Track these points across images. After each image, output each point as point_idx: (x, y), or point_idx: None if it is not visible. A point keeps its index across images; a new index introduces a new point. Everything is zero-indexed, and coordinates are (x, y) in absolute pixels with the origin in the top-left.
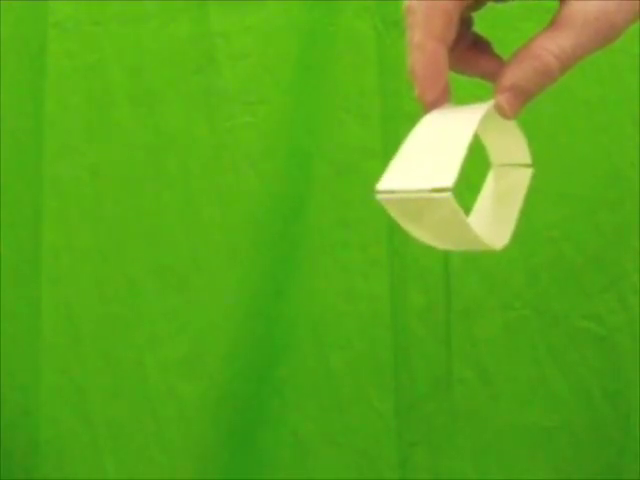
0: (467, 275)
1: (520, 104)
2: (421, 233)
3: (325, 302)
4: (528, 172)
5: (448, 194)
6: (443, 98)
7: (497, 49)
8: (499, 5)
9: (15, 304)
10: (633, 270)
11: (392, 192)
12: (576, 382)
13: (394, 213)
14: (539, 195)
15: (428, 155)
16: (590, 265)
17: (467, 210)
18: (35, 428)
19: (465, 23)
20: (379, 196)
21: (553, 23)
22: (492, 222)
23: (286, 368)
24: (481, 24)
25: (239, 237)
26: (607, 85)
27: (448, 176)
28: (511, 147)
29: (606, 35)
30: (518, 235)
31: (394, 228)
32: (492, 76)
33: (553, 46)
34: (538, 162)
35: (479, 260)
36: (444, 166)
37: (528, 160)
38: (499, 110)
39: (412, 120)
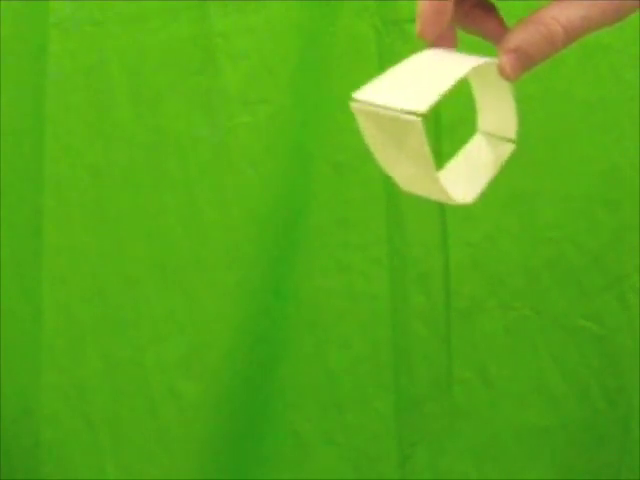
0: (467, 275)
1: (522, 67)
2: (386, 161)
3: (325, 302)
4: (510, 147)
5: (418, 118)
6: (445, 40)
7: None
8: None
9: (15, 304)
10: (633, 270)
11: (367, 103)
12: (576, 382)
13: (364, 127)
14: (539, 195)
15: (414, 80)
16: (590, 265)
17: (460, 210)
18: (35, 428)
19: None
20: (353, 104)
21: None
22: (459, 180)
23: (286, 368)
24: None
25: (239, 237)
26: (607, 85)
27: (424, 102)
28: (501, 118)
29: (615, 13)
30: (518, 235)
31: (394, 228)
32: (494, 37)
33: (562, 17)
34: (538, 162)
35: (479, 260)
36: (425, 93)
37: (513, 136)
38: (501, 71)
39: None
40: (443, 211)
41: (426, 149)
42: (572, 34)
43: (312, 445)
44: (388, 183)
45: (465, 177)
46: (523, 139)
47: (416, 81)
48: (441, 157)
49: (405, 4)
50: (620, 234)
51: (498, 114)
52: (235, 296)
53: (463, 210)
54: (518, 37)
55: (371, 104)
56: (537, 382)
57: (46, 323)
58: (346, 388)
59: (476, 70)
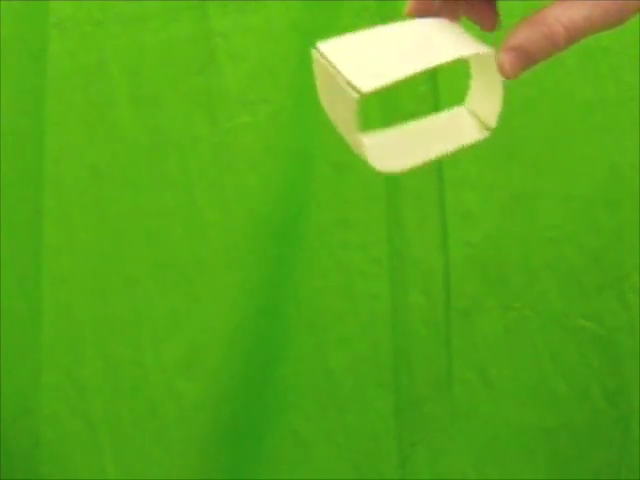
0: (467, 275)
1: (522, 66)
2: (328, 109)
3: (325, 302)
4: (484, 134)
5: (356, 96)
6: (434, 11)
7: (497, 49)
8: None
9: (15, 304)
10: (633, 270)
11: (324, 57)
12: (576, 382)
13: (317, 73)
14: (539, 195)
15: (386, 51)
16: (590, 265)
17: (460, 210)
18: (35, 428)
19: None
20: (313, 51)
21: None
22: (403, 146)
23: (286, 368)
24: None
25: (239, 237)
26: (607, 86)
27: (374, 81)
28: (487, 105)
29: (617, 15)
30: (518, 235)
31: (394, 228)
32: (487, 27)
33: (564, 17)
34: (539, 163)
35: (479, 260)
36: (384, 71)
37: (492, 125)
38: (500, 68)
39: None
40: (443, 211)
41: (355, 121)
42: (574, 34)
43: (312, 445)
44: (388, 183)
45: (414, 144)
46: (524, 139)
47: (387, 53)
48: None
49: (405, 4)
50: (620, 234)
51: (486, 99)
52: (235, 296)
53: (463, 210)
54: (520, 36)
55: (327, 60)
56: (537, 382)
57: (46, 323)
58: (346, 388)
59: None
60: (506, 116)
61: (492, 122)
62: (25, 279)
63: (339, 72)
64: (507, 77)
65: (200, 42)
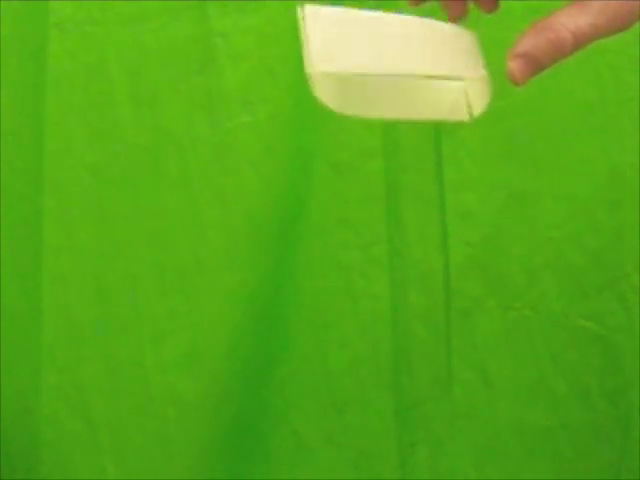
0: (467, 275)
1: (530, 72)
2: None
3: (325, 302)
4: (464, 117)
5: (309, 70)
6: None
7: (497, 50)
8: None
9: (15, 304)
10: (633, 270)
11: (304, 19)
12: (576, 382)
13: (298, 22)
14: (539, 195)
15: (368, 40)
16: (590, 265)
17: (460, 210)
18: (35, 428)
19: None
20: (299, 9)
21: (575, 2)
22: (376, 93)
23: (286, 368)
24: (481, 24)
25: (239, 237)
26: (606, 86)
27: (329, 66)
28: (479, 95)
29: (623, 20)
30: (518, 235)
31: (394, 228)
32: (486, 10)
33: (570, 23)
34: (538, 162)
35: (479, 260)
36: (347, 60)
37: (475, 114)
38: (510, 75)
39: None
40: (443, 211)
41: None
42: (581, 40)
43: (312, 445)
44: (388, 183)
45: (390, 97)
46: (524, 139)
47: (367, 43)
48: (441, 157)
49: (405, 3)
50: (620, 234)
51: (479, 92)
52: (235, 296)
53: (463, 210)
54: (527, 42)
55: (304, 23)
56: (537, 382)
57: (46, 323)
58: (346, 388)
59: None
60: (506, 116)
61: (476, 112)
62: (25, 279)
63: (307, 41)
64: (517, 83)
65: (200, 42)
